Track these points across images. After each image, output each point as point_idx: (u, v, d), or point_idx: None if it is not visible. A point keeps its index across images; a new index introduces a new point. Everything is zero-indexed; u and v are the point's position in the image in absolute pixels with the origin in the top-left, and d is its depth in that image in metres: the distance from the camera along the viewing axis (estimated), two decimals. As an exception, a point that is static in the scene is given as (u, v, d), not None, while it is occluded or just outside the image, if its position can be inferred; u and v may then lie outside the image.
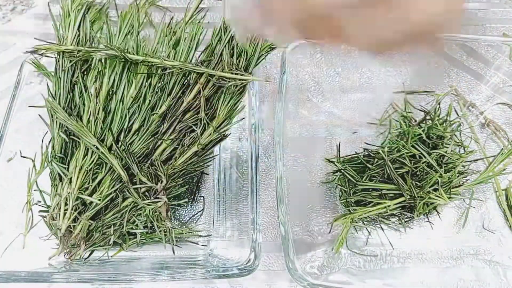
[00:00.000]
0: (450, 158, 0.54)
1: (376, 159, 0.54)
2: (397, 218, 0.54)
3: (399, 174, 0.52)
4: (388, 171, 0.52)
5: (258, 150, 0.51)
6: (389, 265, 0.52)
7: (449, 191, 0.52)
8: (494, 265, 0.51)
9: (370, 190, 0.53)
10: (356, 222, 0.53)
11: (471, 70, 0.63)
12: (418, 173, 0.53)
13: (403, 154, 0.53)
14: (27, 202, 0.50)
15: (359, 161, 0.55)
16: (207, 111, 0.50)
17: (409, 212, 0.53)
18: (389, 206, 0.51)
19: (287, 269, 0.45)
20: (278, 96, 0.54)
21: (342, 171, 0.54)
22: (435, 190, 0.52)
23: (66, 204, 0.47)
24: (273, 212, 0.58)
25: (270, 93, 0.67)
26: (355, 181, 0.53)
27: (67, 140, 0.50)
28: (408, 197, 0.51)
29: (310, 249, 0.51)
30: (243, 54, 0.51)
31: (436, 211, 0.54)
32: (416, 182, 0.52)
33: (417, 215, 0.53)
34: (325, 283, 0.45)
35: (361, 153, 0.56)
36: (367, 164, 0.54)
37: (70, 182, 0.48)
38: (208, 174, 0.59)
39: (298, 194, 0.54)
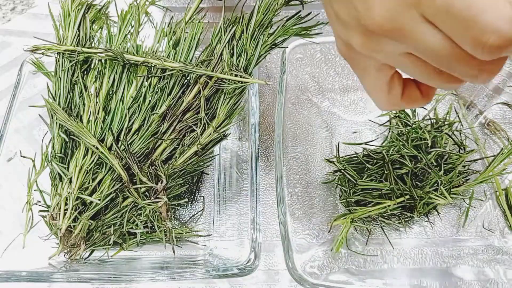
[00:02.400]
0: (450, 158, 0.54)
1: (375, 159, 0.54)
2: (397, 218, 0.54)
3: (399, 174, 0.52)
4: (388, 171, 0.52)
5: (258, 150, 0.51)
6: (389, 265, 0.52)
7: (449, 191, 0.52)
8: (494, 265, 0.51)
9: (370, 190, 0.53)
10: (356, 222, 0.53)
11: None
12: (418, 172, 0.53)
13: (403, 153, 0.53)
14: (27, 202, 0.50)
15: (359, 161, 0.55)
16: (207, 111, 0.50)
17: (409, 212, 0.53)
18: (389, 206, 0.51)
19: (287, 269, 0.45)
20: (278, 96, 0.54)
21: (342, 171, 0.54)
22: (435, 190, 0.52)
23: (66, 204, 0.47)
24: (273, 212, 0.58)
25: (270, 93, 0.67)
26: (354, 181, 0.53)
27: (67, 140, 0.50)
28: (408, 197, 0.51)
29: (310, 249, 0.51)
30: (243, 53, 0.51)
31: (436, 211, 0.54)
32: (417, 182, 0.52)
33: (417, 215, 0.53)
34: (325, 283, 0.45)
35: (361, 153, 0.56)
36: (367, 164, 0.54)
37: (70, 182, 0.48)
38: (208, 174, 0.59)
39: (298, 194, 0.54)
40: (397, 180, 0.51)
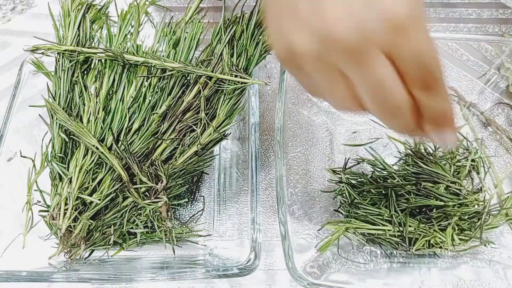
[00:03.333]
0: (465, 197, 0.51)
1: (382, 186, 0.52)
2: (393, 245, 0.52)
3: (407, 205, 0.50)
4: (391, 199, 0.50)
5: (258, 150, 0.51)
6: (389, 265, 0.52)
7: (458, 229, 0.50)
8: (494, 265, 0.51)
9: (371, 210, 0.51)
10: (350, 232, 0.52)
11: (471, 70, 0.63)
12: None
13: (410, 190, 0.51)
14: (27, 202, 0.50)
15: (364, 180, 0.54)
16: (207, 111, 0.50)
17: (409, 243, 0.50)
18: (389, 230, 0.50)
19: (287, 269, 0.45)
20: (278, 96, 0.54)
21: (345, 186, 0.53)
22: (442, 230, 0.49)
23: (66, 204, 0.47)
24: (273, 212, 0.58)
25: (270, 93, 0.67)
26: (357, 204, 0.52)
27: (67, 140, 0.50)
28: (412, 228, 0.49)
29: (310, 249, 0.51)
30: (243, 54, 0.51)
31: (437, 255, 0.52)
32: (425, 219, 0.50)
33: (412, 253, 0.50)
34: (325, 283, 0.45)
35: (369, 174, 0.55)
36: (371, 189, 0.52)
37: (70, 182, 0.48)
38: (208, 174, 0.59)
39: (298, 194, 0.54)
40: (398, 213, 0.49)
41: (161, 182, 0.48)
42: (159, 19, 0.56)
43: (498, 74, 0.62)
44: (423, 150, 0.56)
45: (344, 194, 0.54)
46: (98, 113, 0.50)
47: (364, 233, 0.52)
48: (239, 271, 0.44)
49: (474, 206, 0.53)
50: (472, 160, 0.55)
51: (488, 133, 0.61)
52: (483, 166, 0.56)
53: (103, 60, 0.52)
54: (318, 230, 0.52)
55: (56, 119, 0.49)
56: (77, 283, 0.47)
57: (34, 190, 0.50)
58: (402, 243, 0.50)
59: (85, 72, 0.53)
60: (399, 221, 0.50)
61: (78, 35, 0.53)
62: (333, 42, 0.27)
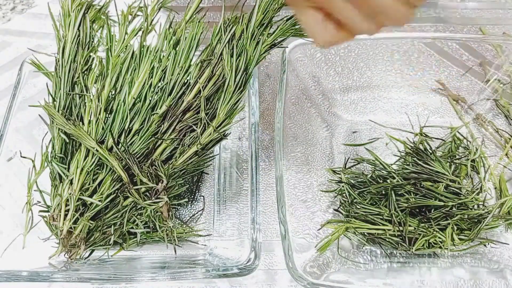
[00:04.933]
0: (465, 197, 0.51)
1: (381, 186, 0.52)
2: (393, 245, 0.52)
3: (407, 204, 0.50)
4: (390, 199, 0.50)
5: (258, 150, 0.51)
6: (389, 265, 0.52)
7: (457, 228, 0.50)
8: (494, 265, 0.51)
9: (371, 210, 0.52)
10: (350, 232, 0.52)
11: (471, 70, 0.63)
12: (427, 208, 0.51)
13: (409, 189, 0.51)
14: (27, 202, 0.50)
15: (364, 180, 0.54)
16: (207, 111, 0.50)
17: (409, 243, 0.50)
18: (389, 230, 0.50)
19: (287, 269, 0.45)
20: (278, 96, 0.54)
21: (345, 186, 0.53)
22: (442, 230, 0.50)
23: (66, 205, 0.47)
24: (273, 212, 0.58)
25: (270, 93, 0.67)
26: (357, 204, 0.52)
27: (67, 140, 0.50)
28: (412, 228, 0.50)
29: (310, 249, 0.51)
30: (243, 53, 0.51)
31: (435, 253, 0.52)
32: (425, 215, 0.50)
33: (412, 252, 0.50)
34: (325, 283, 0.45)
35: (369, 173, 0.55)
36: (371, 189, 0.52)
37: (71, 183, 0.48)
38: (208, 174, 0.59)
39: (298, 194, 0.54)
40: (398, 213, 0.50)
41: (162, 182, 0.48)
42: (161, 19, 0.56)
43: (498, 74, 0.62)
44: (422, 149, 0.56)
45: (344, 194, 0.54)
46: (99, 114, 0.50)
47: (364, 233, 0.52)
48: (239, 271, 0.44)
49: (473, 206, 0.53)
50: (472, 161, 0.55)
51: (487, 133, 0.61)
52: (483, 166, 0.56)
53: (104, 61, 0.52)
54: (318, 230, 0.52)
55: (56, 124, 0.49)
56: (77, 283, 0.47)
57: (34, 191, 0.50)
58: (402, 242, 0.50)
59: (86, 73, 0.53)
60: (399, 220, 0.50)
61: (78, 35, 0.52)
62: None
